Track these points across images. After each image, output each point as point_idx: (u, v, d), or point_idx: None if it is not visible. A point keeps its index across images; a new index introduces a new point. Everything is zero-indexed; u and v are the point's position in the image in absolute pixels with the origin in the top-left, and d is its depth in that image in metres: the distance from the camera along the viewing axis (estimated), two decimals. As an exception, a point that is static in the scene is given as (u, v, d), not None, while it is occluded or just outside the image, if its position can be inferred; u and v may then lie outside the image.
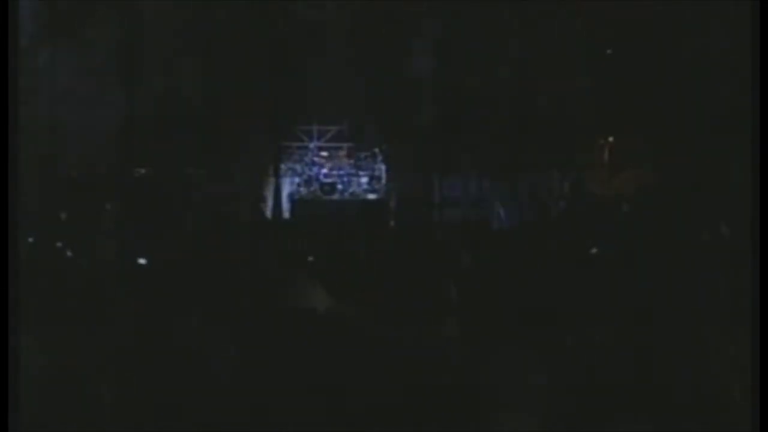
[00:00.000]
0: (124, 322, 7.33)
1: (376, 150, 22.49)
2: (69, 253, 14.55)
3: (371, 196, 22.41)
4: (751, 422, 5.89)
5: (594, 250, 13.78)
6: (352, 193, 22.42)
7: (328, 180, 22.40)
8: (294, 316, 6.90)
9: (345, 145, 22.53)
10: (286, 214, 22.35)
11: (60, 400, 6.09)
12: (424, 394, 6.23)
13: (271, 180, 22.46)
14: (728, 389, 6.20)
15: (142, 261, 12.64)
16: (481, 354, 6.47)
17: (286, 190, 22.43)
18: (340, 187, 22.40)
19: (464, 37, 22.08)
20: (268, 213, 22.32)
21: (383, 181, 22.43)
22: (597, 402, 6.22)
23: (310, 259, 13.71)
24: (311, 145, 22.41)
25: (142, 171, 22.05)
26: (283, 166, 22.46)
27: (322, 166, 22.45)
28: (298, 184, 22.46)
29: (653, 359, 6.57)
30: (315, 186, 22.39)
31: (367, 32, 22.08)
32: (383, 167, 22.45)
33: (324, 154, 22.48)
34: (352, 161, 22.50)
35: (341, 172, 22.48)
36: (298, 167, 22.50)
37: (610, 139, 21.95)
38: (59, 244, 15.53)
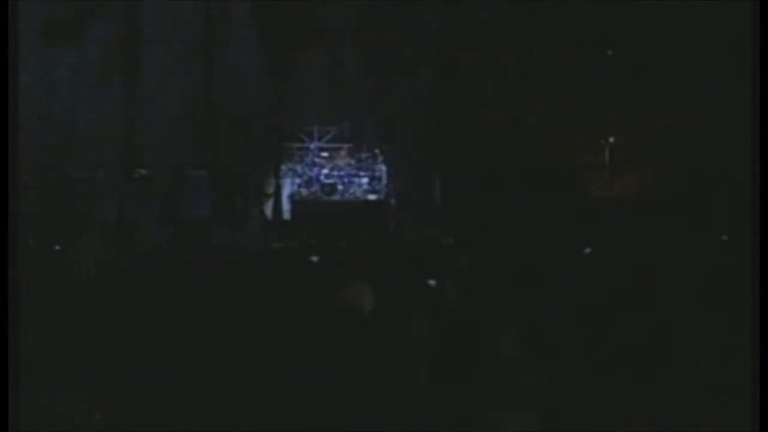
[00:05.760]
0: (128, 321, 7.33)
1: (377, 150, 22.48)
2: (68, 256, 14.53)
3: (372, 197, 22.39)
4: (751, 422, 5.90)
5: (590, 251, 13.79)
6: (352, 194, 22.39)
7: (329, 181, 22.37)
8: (293, 317, 6.90)
9: (345, 145, 22.50)
10: (287, 215, 22.34)
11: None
12: (425, 394, 6.24)
13: (272, 181, 22.47)
14: (728, 390, 6.21)
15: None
16: (480, 354, 6.47)
17: (286, 190, 22.43)
18: (340, 187, 22.37)
19: (464, 37, 22.11)
20: (269, 213, 22.33)
21: (384, 181, 22.41)
22: (596, 402, 6.23)
23: (314, 259, 13.68)
24: (312, 146, 22.39)
25: (143, 171, 22.06)
26: (283, 167, 22.46)
27: (322, 166, 22.42)
28: (299, 185, 22.44)
29: (653, 360, 6.58)
30: (316, 187, 22.37)
31: (368, 31, 22.10)
32: (383, 168, 22.43)
33: (324, 154, 22.45)
34: (352, 162, 22.47)
35: (342, 173, 22.45)
36: (298, 168, 22.48)
37: (611, 139, 21.95)
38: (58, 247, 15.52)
